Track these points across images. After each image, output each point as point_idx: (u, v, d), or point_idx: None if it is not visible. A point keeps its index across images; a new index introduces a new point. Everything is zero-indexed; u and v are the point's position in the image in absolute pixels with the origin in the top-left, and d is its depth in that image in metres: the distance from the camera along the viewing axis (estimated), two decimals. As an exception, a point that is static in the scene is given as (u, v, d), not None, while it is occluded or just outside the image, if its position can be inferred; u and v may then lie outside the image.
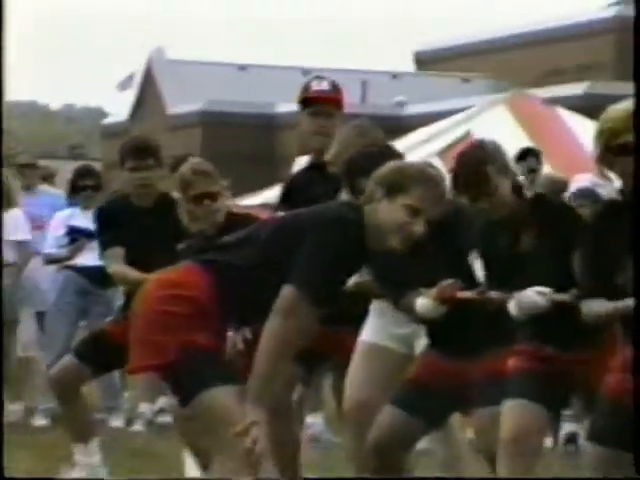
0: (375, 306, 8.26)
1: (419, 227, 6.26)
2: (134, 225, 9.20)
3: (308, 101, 8.86)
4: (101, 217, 9.60)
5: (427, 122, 20.58)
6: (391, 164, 6.59)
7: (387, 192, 6.26)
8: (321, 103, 8.76)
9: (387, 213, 6.24)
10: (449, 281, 7.42)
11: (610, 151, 6.42)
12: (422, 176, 6.42)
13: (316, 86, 8.87)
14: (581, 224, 7.07)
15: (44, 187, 14.99)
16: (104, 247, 9.42)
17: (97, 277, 10.54)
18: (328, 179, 7.87)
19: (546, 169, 14.87)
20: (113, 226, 9.41)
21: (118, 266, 9.25)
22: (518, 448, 7.10)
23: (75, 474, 9.76)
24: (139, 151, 9.61)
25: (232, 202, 10.25)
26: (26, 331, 13.96)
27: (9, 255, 13.30)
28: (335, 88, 8.90)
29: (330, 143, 8.40)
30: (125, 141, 10.05)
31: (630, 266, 6.38)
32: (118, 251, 9.27)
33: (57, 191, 14.80)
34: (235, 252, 6.38)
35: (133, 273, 8.99)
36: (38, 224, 13.78)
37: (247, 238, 6.51)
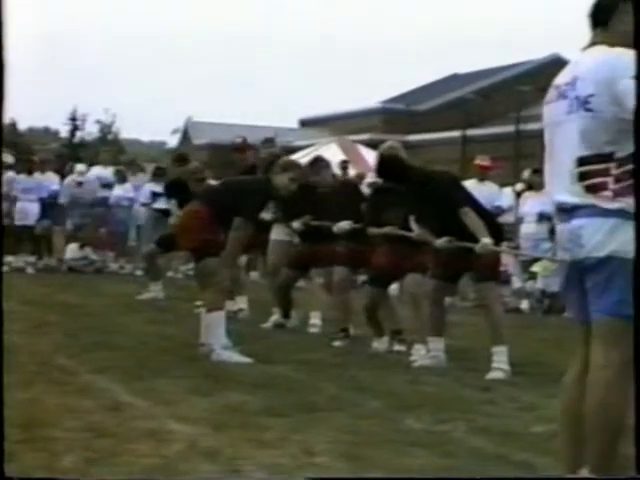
0: (277, 225, 8.20)
1: (294, 187, 6.30)
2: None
3: None
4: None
5: (302, 149, 20.36)
6: (282, 159, 6.71)
7: (281, 171, 6.27)
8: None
9: (281, 180, 6.24)
10: (307, 216, 7.48)
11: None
12: (295, 164, 6.58)
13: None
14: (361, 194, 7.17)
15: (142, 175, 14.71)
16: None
17: (166, 213, 10.37)
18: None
19: (354, 171, 14.82)
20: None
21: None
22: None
23: (146, 296, 9.54)
24: (181, 159, 9.65)
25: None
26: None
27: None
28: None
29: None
30: (175, 154, 10.57)
31: (388, 215, 6.37)
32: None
33: (146, 176, 14.46)
34: (214, 197, 6.36)
35: None
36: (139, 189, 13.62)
37: (218, 190, 6.60)
